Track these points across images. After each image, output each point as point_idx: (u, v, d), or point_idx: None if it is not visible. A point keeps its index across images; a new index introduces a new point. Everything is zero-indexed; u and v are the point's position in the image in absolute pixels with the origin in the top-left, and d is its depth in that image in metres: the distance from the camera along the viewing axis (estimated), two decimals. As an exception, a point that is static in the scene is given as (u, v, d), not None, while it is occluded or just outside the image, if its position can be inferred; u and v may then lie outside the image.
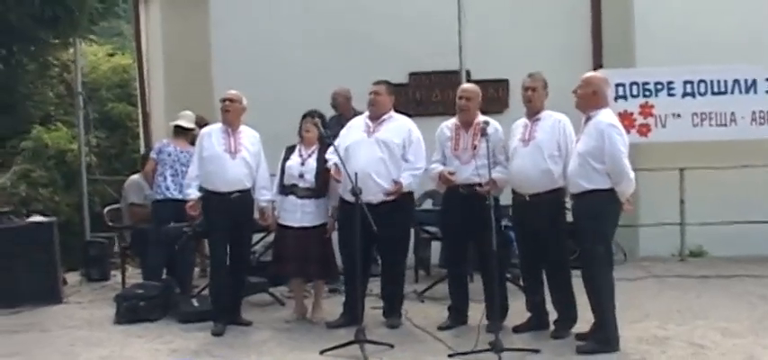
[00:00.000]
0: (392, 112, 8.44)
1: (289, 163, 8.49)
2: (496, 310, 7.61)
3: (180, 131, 10.16)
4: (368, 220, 7.56)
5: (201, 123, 9.83)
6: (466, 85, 8.66)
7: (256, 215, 8.70)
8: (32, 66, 12.95)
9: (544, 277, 7.88)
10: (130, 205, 10.70)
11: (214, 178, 8.37)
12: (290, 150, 8.60)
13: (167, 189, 9.81)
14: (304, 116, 8.63)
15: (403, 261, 8.49)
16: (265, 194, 8.62)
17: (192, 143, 9.69)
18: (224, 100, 8.54)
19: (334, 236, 8.50)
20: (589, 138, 7.19)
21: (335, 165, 8.14)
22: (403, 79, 12.08)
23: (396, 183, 8.12)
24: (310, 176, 8.38)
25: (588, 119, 7.28)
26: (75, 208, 13.94)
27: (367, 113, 8.49)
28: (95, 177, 13.43)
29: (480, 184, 7.76)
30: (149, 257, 10.00)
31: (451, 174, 8.03)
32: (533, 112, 7.79)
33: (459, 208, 8.04)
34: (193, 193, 8.46)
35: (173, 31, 14.57)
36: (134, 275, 11.19)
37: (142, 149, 14.83)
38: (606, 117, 7.23)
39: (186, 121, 10.24)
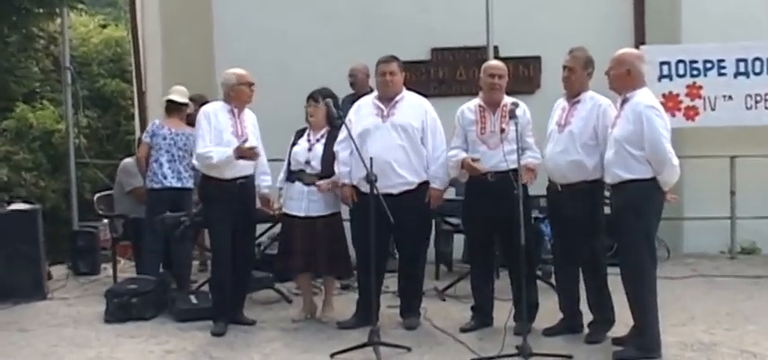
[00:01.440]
0: (404, 91, 8.40)
1: (295, 148, 8.51)
2: (525, 311, 7.55)
3: (173, 108, 10.16)
4: (385, 212, 7.52)
5: (201, 102, 9.82)
6: (494, 62, 8.57)
7: (258, 204, 8.70)
8: (15, 37, 12.97)
9: (579, 275, 7.84)
10: (129, 193, 10.72)
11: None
12: (300, 134, 8.62)
13: (164, 177, 9.84)
14: (308, 98, 8.61)
15: (423, 256, 8.47)
16: (266, 180, 8.64)
17: (188, 123, 9.72)
18: (246, 83, 8.43)
19: (348, 227, 8.51)
20: (626, 122, 7.11)
21: (345, 185, 8.21)
22: (424, 56, 12.12)
23: (435, 190, 8.17)
24: (317, 163, 8.39)
25: (625, 101, 7.21)
26: (63, 194, 14.06)
27: (375, 94, 8.47)
28: (85, 161, 13.47)
29: (509, 172, 7.71)
30: (145, 251, 10.03)
31: (475, 161, 8.02)
32: (573, 94, 7.72)
33: (485, 198, 8.00)
34: (220, 151, 8.22)
35: (171, 1, 14.58)
36: (126, 269, 11.29)
37: (137, 131, 14.87)
38: (644, 98, 7.14)
39: (179, 95, 10.24)
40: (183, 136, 9.79)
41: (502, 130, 7.89)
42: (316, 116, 8.51)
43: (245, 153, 8.20)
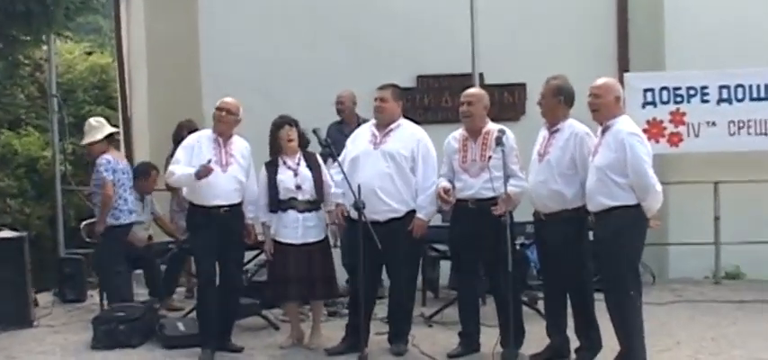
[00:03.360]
0: (401, 120, 8.44)
1: (280, 177, 8.46)
2: (511, 337, 7.63)
3: (113, 140, 10.13)
4: (373, 238, 7.58)
5: (190, 128, 9.85)
6: (469, 90, 8.58)
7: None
8: (1, 64, 12.95)
9: (567, 301, 7.89)
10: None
11: (202, 192, 8.37)
12: (273, 166, 8.57)
13: (131, 212, 9.89)
14: (280, 124, 8.58)
15: (412, 283, 8.51)
16: (252, 211, 8.64)
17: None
18: (220, 109, 8.50)
19: (336, 253, 8.55)
20: (608, 149, 7.17)
21: (338, 204, 8.29)
22: (410, 83, 12.13)
23: (419, 220, 8.17)
24: (309, 186, 8.41)
25: (606, 129, 7.27)
26: (48, 221, 14.01)
27: (373, 121, 8.51)
28: (71, 188, 13.41)
29: (492, 199, 7.78)
30: (115, 284, 9.88)
31: (446, 192, 8.07)
32: (550, 123, 7.78)
33: (469, 224, 8.07)
34: (189, 169, 8.30)
35: (157, 27, 14.53)
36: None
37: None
38: (625, 125, 7.22)
39: (108, 125, 10.10)
40: (127, 167, 9.88)
41: (482, 158, 7.93)
42: (294, 139, 8.53)
43: (200, 173, 8.22)
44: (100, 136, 9.81)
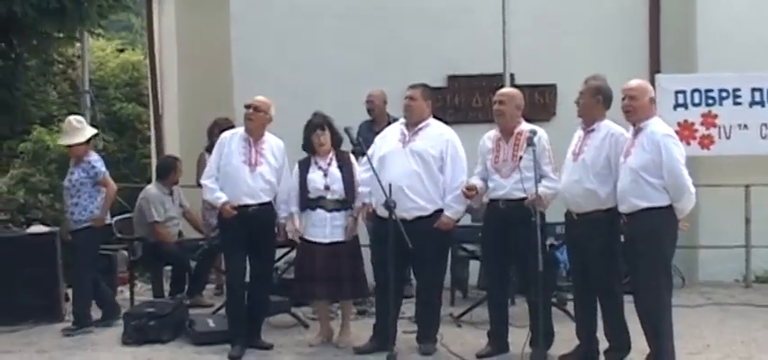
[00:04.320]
0: (430, 120, 8.46)
1: (310, 175, 8.53)
2: (541, 338, 7.63)
3: (90, 143, 9.86)
4: (403, 237, 7.60)
5: (225, 126, 9.88)
6: (503, 89, 8.66)
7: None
8: (34, 61, 13.04)
9: (597, 302, 7.86)
10: (151, 224, 10.78)
11: (230, 190, 8.46)
12: (305, 164, 8.65)
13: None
14: (312, 127, 8.62)
15: (440, 282, 8.52)
16: (284, 210, 8.69)
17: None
18: (248, 107, 8.57)
19: (366, 252, 8.58)
20: (642, 150, 7.19)
21: (365, 204, 8.36)
22: (441, 83, 12.12)
23: (446, 218, 8.19)
24: (338, 186, 8.46)
25: (638, 130, 7.29)
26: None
27: (402, 120, 8.54)
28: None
29: (522, 200, 7.80)
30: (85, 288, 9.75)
31: (471, 189, 8.09)
32: (586, 123, 7.77)
33: (499, 225, 8.09)
34: (221, 195, 8.45)
35: (188, 25, 14.66)
36: (143, 291, 11.35)
37: (154, 155, 14.95)
38: (659, 127, 7.25)
39: (84, 132, 9.80)
40: None
41: (514, 158, 7.96)
42: (326, 143, 8.58)
43: (221, 213, 8.47)
44: (83, 138, 9.65)
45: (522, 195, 7.79)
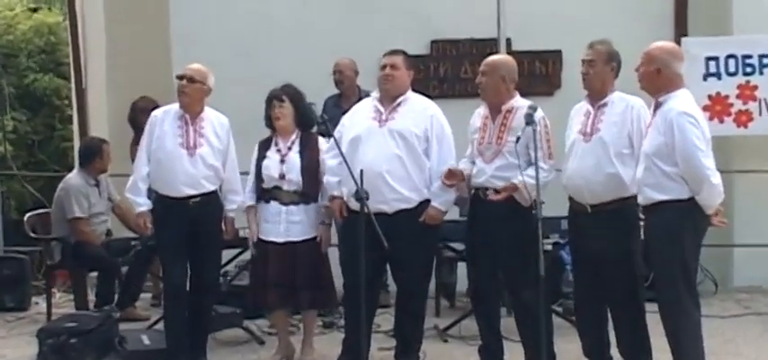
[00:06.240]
0: (409, 93, 8.41)
1: (265, 162, 8.51)
2: (545, 355, 7.53)
3: None
4: (377, 234, 7.55)
5: (148, 108, 9.84)
6: (489, 57, 8.47)
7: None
8: None
9: (608, 313, 7.83)
10: (72, 220, 10.74)
11: (165, 180, 8.45)
12: (265, 145, 8.64)
13: None
14: (271, 98, 8.62)
15: (424, 289, 8.49)
16: (234, 201, 8.71)
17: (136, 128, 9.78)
18: (181, 77, 8.51)
19: (335, 253, 8.59)
20: (656, 132, 7.07)
21: (335, 197, 8.25)
22: (423, 49, 12.17)
23: (433, 209, 8.17)
24: (295, 176, 8.42)
25: (657, 106, 7.18)
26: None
27: (376, 95, 8.49)
28: (11, 172, 13.48)
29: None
30: None
31: (452, 176, 8.08)
32: (597, 96, 7.70)
33: (484, 220, 8.04)
34: (143, 202, 8.53)
35: (117, -20, 14.64)
36: (63, 303, 11.32)
37: (77, 137, 14.88)
38: (678, 103, 7.04)
39: None
40: None
41: (499, 140, 7.92)
42: (283, 119, 8.53)
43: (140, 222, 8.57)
44: None
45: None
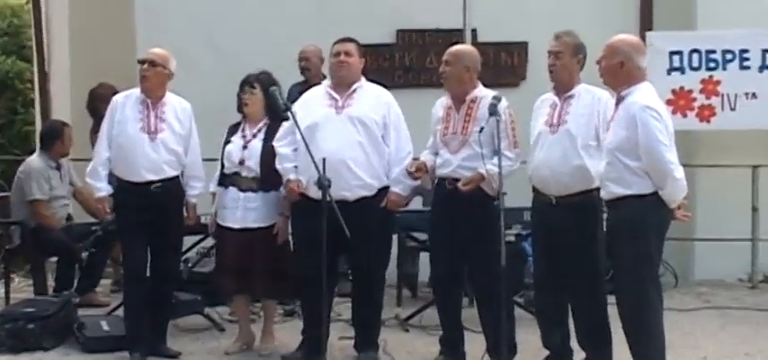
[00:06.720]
0: (363, 80, 8.42)
1: (229, 147, 8.53)
2: (504, 347, 7.54)
3: None
4: (339, 223, 7.46)
5: (109, 94, 9.74)
6: (452, 48, 8.46)
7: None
8: None
9: (568, 305, 7.85)
10: (32, 203, 10.69)
11: (126, 165, 8.41)
12: (233, 130, 8.65)
13: None
14: (242, 83, 8.62)
15: (382, 277, 8.49)
16: (195, 187, 8.69)
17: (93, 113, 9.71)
18: (143, 62, 8.48)
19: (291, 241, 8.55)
20: (618, 126, 7.04)
21: (291, 180, 8.17)
22: (388, 38, 12.17)
23: (395, 195, 8.19)
24: (254, 163, 8.42)
25: (619, 100, 7.15)
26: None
27: (327, 83, 8.49)
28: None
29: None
30: None
31: (418, 169, 8.07)
32: (563, 88, 7.70)
33: (447, 211, 8.05)
34: (103, 187, 8.50)
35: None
36: (22, 287, 11.26)
37: (39, 121, 14.80)
38: (641, 96, 7.01)
39: None
40: None
41: (464, 131, 7.93)
42: (252, 105, 8.54)
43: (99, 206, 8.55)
44: None
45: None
